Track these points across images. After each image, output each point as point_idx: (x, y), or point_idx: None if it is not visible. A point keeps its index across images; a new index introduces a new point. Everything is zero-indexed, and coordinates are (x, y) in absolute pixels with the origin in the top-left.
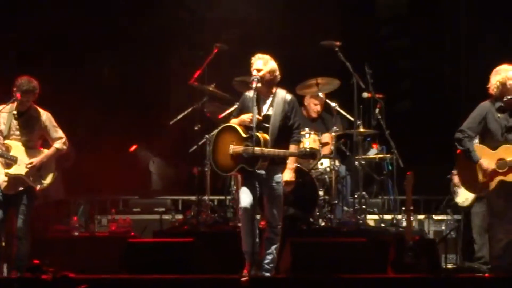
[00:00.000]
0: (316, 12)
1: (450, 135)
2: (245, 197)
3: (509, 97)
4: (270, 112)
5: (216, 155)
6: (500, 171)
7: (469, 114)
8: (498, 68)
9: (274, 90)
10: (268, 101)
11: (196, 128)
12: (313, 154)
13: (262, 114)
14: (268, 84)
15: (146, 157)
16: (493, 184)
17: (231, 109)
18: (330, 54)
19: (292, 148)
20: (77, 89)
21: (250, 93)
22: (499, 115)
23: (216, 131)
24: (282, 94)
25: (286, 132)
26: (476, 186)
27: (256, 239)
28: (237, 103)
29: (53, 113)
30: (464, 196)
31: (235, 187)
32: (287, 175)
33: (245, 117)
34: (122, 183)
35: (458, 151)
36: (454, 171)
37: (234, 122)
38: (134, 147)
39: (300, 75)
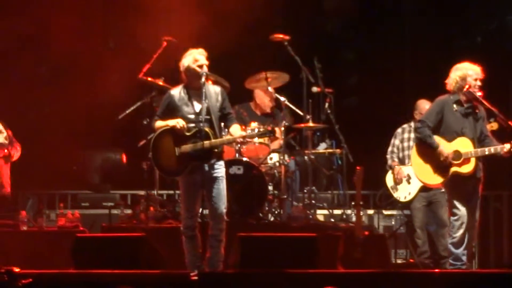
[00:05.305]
0: (264, 5)
1: None
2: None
3: (467, 87)
4: (206, 104)
5: (160, 161)
6: (455, 162)
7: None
8: (458, 65)
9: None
10: (201, 94)
11: (145, 122)
12: (271, 131)
13: (201, 107)
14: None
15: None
16: (447, 175)
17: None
18: (279, 48)
19: (235, 128)
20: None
21: (176, 91)
22: (456, 107)
23: (153, 136)
24: (211, 87)
25: (223, 121)
26: (432, 175)
27: (200, 250)
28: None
29: None
30: (406, 191)
31: None
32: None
33: (173, 123)
34: (71, 177)
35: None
36: (398, 166)
37: (160, 124)
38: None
39: (249, 69)
